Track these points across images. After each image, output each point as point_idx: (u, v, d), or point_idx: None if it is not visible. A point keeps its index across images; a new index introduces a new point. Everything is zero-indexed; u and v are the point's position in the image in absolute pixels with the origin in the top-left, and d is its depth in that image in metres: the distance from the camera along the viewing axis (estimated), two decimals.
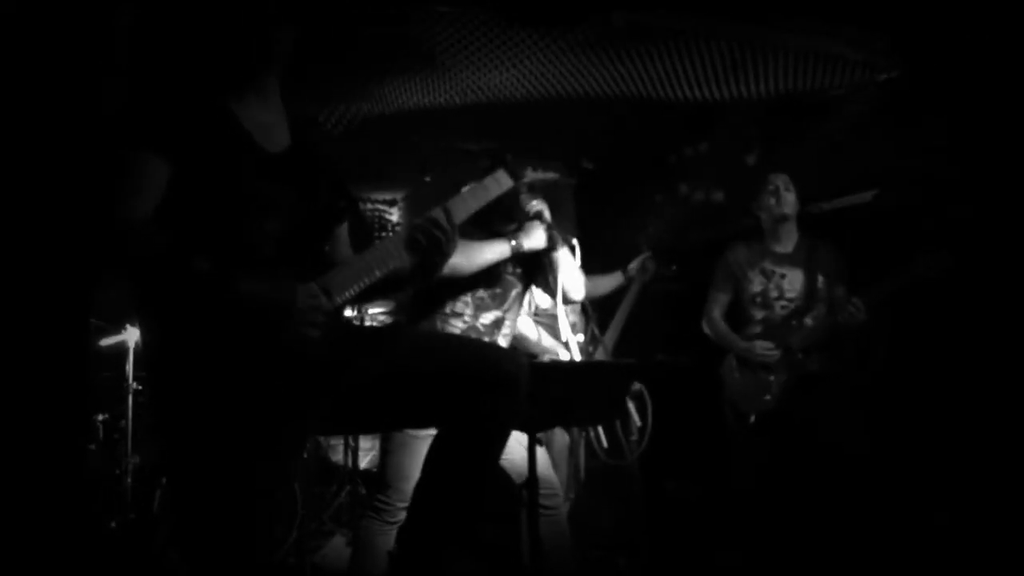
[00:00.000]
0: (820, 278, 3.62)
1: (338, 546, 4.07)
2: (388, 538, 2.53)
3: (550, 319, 3.63)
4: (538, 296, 3.61)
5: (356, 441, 4.81)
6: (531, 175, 2.17)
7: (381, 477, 2.76)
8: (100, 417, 4.15)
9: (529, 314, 3.60)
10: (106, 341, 4.17)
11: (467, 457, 1.84)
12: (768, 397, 3.56)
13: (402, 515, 2.38)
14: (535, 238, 2.77)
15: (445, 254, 1.89)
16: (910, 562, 3.26)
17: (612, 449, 3.68)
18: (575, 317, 3.71)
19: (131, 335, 4.09)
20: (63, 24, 2.77)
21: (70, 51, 2.82)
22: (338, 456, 5.03)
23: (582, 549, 3.86)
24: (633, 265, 3.86)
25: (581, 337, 3.67)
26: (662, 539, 3.92)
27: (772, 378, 3.56)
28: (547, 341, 3.53)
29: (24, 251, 2.81)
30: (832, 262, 3.66)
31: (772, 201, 3.65)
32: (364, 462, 4.98)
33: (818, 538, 3.44)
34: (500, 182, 1.99)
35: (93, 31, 2.83)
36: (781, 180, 3.67)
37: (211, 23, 1.77)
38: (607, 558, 3.86)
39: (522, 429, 2.33)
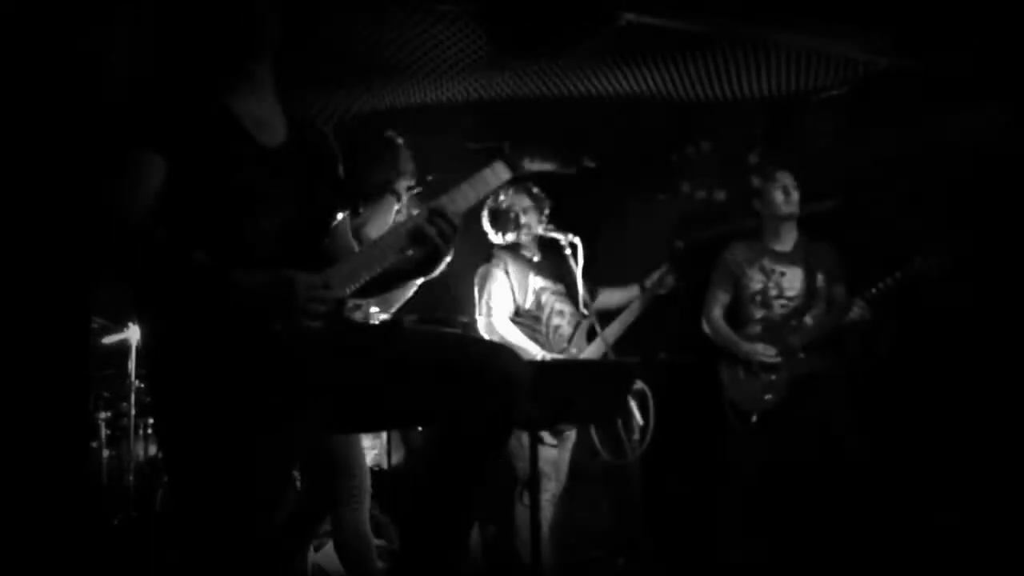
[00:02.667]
0: (819, 276, 3.62)
1: None
2: None
3: (531, 320, 3.61)
4: (519, 297, 3.59)
5: None
6: (529, 165, 2.15)
7: None
8: (102, 415, 4.15)
9: (510, 315, 3.58)
10: (108, 339, 4.17)
11: (468, 457, 1.82)
12: (769, 396, 3.55)
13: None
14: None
15: (450, 245, 1.87)
16: (910, 561, 3.26)
17: (613, 447, 3.68)
18: (575, 316, 3.69)
19: (133, 333, 4.08)
20: (63, 24, 2.77)
21: (70, 51, 2.82)
22: None
23: (583, 549, 3.86)
24: (653, 278, 3.80)
25: (582, 336, 3.67)
26: (662, 539, 3.93)
27: (773, 377, 3.56)
28: (524, 343, 3.49)
29: (24, 250, 2.81)
30: (830, 261, 3.66)
31: (782, 199, 3.65)
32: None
33: (819, 537, 3.44)
34: (498, 173, 1.99)
35: (93, 30, 2.83)
36: (788, 178, 3.66)
37: (199, 10, 1.77)
38: (607, 558, 3.86)
39: (523, 428, 2.33)
